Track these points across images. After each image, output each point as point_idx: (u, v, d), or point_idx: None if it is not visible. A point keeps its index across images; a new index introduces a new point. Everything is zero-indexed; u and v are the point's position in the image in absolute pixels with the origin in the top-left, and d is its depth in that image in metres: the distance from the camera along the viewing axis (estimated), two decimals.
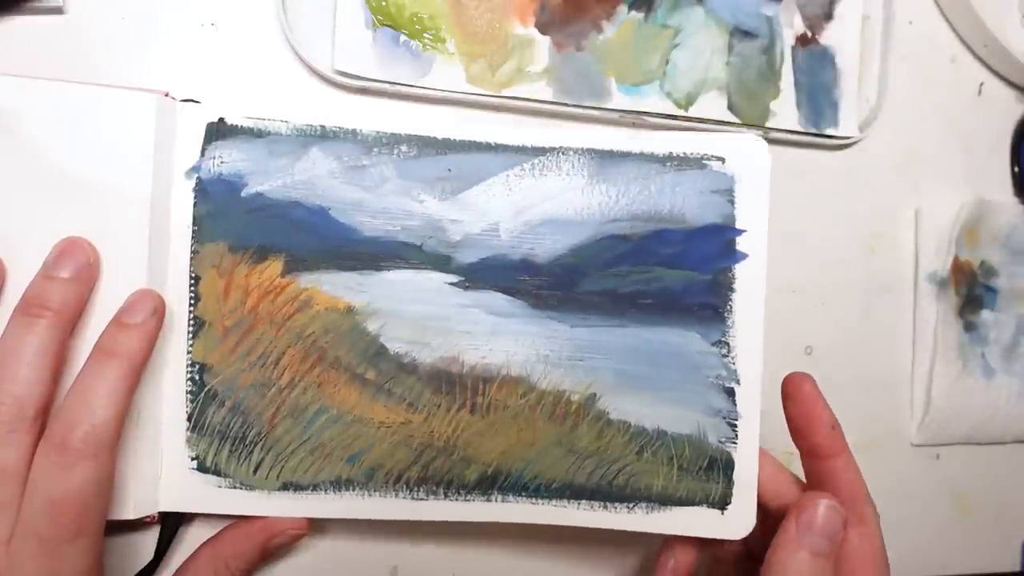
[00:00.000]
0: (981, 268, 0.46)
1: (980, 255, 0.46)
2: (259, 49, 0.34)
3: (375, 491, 0.31)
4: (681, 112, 0.39)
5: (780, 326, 0.42)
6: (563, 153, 0.31)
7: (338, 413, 0.30)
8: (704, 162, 0.31)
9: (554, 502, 0.31)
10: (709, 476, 0.31)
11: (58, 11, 0.32)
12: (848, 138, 0.42)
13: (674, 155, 0.32)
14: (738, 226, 0.31)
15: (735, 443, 0.31)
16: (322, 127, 0.31)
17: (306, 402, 0.30)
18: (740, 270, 0.31)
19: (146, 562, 0.31)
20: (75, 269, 0.27)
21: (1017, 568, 0.47)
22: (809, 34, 0.42)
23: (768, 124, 0.40)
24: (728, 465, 0.31)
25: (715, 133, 0.31)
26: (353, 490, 0.31)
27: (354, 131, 0.31)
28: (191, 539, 0.32)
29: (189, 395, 0.30)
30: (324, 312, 0.30)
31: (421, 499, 0.31)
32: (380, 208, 0.31)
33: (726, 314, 0.31)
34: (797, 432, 0.31)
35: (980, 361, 0.46)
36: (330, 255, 0.30)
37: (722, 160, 0.31)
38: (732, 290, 0.31)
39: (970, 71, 0.47)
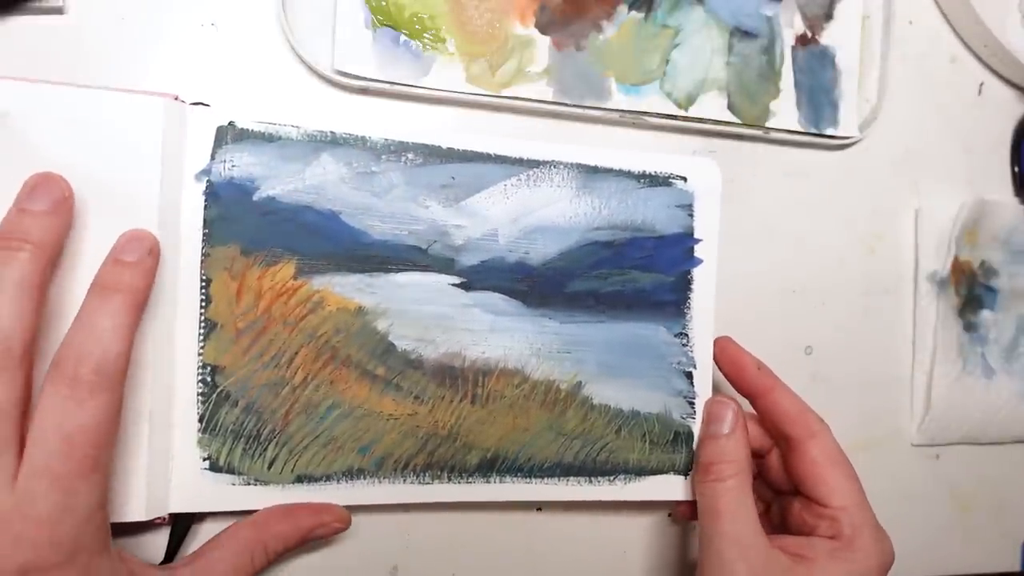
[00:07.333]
0: (981, 268, 0.46)
1: (980, 255, 0.46)
2: (259, 49, 0.34)
3: (384, 478, 0.32)
4: (681, 112, 0.39)
5: (780, 326, 0.42)
6: (554, 166, 0.34)
7: (349, 408, 0.32)
8: (671, 180, 0.36)
9: (546, 480, 0.34)
10: (674, 447, 0.36)
11: (58, 11, 0.32)
12: (848, 138, 0.42)
13: (647, 173, 0.36)
14: (696, 236, 0.36)
15: (693, 418, 0.36)
16: (332, 133, 0.32)
17: (319, 399, 0.31)
18: (697, 272, 0.36)
19: (157, 564, 0.31)
20: (51, 202, 0.26)
21: (1017, 568, 0.47)
22: (809, 34, 0.42)
23: (768, 124, 0.40)
24: (689, 437, 0.36)
25: (679, 156, 0.37)
26: (364, 478, 0.32)
27: (363, 138, 0.32)
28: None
29: (200, 396, 0.30)
30: (336, 312, 0.31)
31: (427, 483, 0.33)
32: (388, 213, 0.32)
33: (685, 310, 0.36)
34: (733, 381, 0.36)
35: (980, 361, 0.46)
36: (341, 258, 0.31)
37: (684, 179, 0.36)
38: (691, 290, 0.36)
39: (970, 71, 0.47)
